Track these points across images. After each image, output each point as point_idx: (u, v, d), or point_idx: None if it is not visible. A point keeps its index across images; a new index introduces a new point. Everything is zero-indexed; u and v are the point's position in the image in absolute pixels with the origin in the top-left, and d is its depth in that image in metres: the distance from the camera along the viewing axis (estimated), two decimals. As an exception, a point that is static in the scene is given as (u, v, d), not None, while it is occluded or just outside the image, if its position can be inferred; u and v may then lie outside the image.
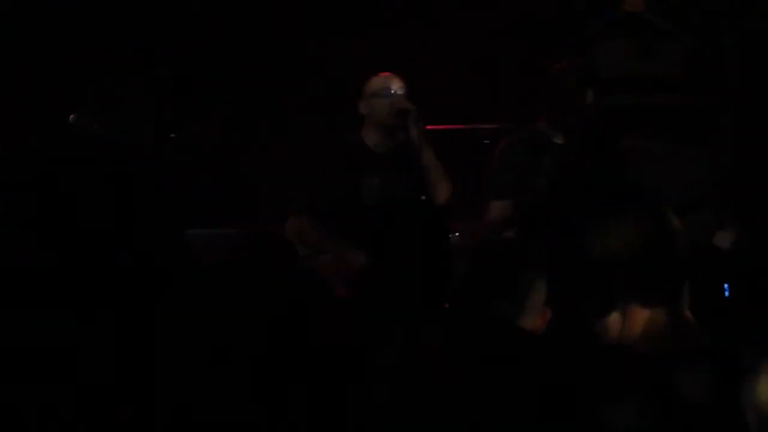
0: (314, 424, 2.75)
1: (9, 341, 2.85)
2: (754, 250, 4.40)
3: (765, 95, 5.96)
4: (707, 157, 5.94)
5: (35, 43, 6.02)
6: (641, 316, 2.22)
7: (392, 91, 4.75)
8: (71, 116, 4.50)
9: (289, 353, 2.95)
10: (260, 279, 3.67)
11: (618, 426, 2.10)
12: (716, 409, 2.06)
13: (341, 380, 2.90)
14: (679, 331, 2.22)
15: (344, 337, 3.14)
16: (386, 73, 4.84)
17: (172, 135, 5.11)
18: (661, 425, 2.09)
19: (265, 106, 6.58)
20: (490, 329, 2.48)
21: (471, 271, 2.73)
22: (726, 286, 3.88)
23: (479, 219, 4.81)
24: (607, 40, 5.86)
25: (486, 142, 5.53)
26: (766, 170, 5.85)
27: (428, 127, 4.86)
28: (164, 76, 6.18)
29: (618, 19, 5.87)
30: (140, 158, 4.51)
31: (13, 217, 3.19)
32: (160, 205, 3.64)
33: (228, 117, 6.52)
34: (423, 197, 4.75)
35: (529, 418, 2.22)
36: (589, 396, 2.13)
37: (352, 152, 4.79)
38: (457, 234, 4.90)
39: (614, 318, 2.24)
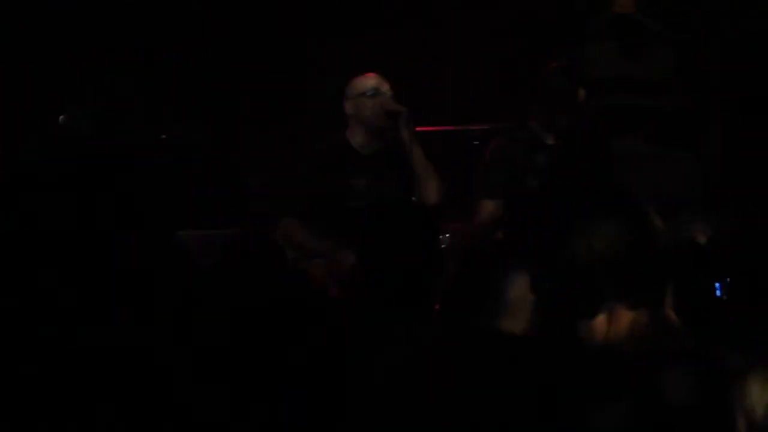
0: (308, 424, 2.76)
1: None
2: (744, 249, 4.41)
3: (751, 96, 5.98)
4: (696, 158, 5.96)
5: (27, 43, 6.02)
6: (626, 318, 2.23)
7: (380, 92, 4.73)
8: (61, 117, 4.50)
9: (283, 354, 2.96)
10: (252, 281, 3.68)
11: (603, 427, 2.11)
12: (701, 410, 2.07)
13: (334, 380, 2.90)
14: (664, 332, 2.23)
15: (336, 338, 3.15)
16: (371, 74, 4.80)
17: (163, 136, 5.11)
18: (646, 427, 2.10)
19: (258, 107, 6.58)
20: (472, 332, 2.49)
21: (460, 271, 2.74)
22: (717, 286, 3.88)
23: (469, 219, 4.82)
24: (597, 42, 5.87)
25: (476, 143, 5.54)
26: (754, 169, 5.87)
27: (418, 128, 4.86)
28: (156, 76, 6.19)
29: (608, 21, 5.88)
30: (130, 159, 4.51)
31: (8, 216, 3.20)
32: (150, 206, 3.64)
33: (220, 117, 6.52)
34: (413, 198, 4.75)
35: (513, 420, 2.23)
36: (575, 397, 2.14)
37: (338, 153, 4.76)
38: (447, 235, 4.91)
39: (600, 319, 2.25)
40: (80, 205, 3.37)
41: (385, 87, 4.74)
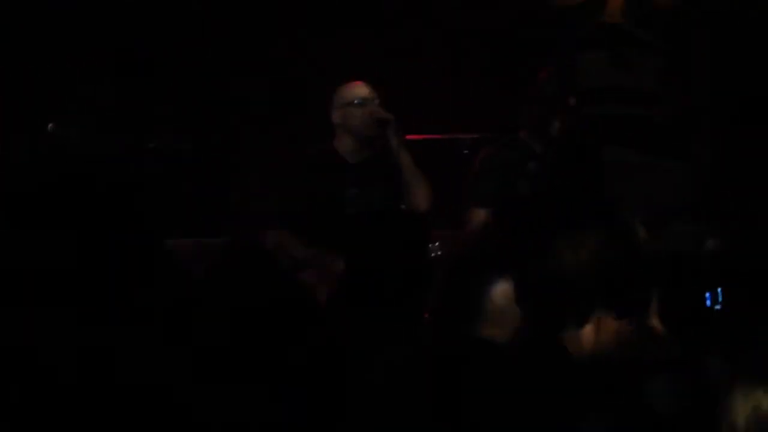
0: (302, 427, 2.76)
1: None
2: (734, 258, 4.41)
3: (742, 105, 5.99)
4: (686, 168, 5.96)
5: (15, 52, 6.01)
6: (612, 327, 2.23)
7: (368, 101, 4.72)
8: (49, 125, 4.49)
9: (277, 358, 2.96)
10: (246, 288, 3.68)
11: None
12: (685, 420, 2.07)
13: (327, 385, 2.90)
14: (649, 341, 2.23)
15: (328, 344, 3.15)
16: (358, 82, 4.79)
17: (151, 144, 5.10)
18: None
19: (248, 114, 6.57)
20: (459, 340, 2.49)
21: (447, 279, 2.74)
22: (708, 295, 3.89)
23: (459, 228, 4.82)
24: (587, 51, 5.87)
25: (466, 151, 5.54)
26: (745, 179, 5.88)
27: (407, 136, 4.85)
28: (144, 85, 6.18)
29: (597, 30, 5.88)
30: (118, 167, 4.51)
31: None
32: (139, 214, 3.63)
33: (209, 125, 6.52)
34: (402, 206, 4.74)
35: (500, 428, 2.23)
36: (561, 406, 2.13)
37: (327, 162, 4.75)
38: (437, 243, 4.90)
39: (587, 329, 2.25)
40: (68, 213, 3.36)
41: (373, 95, 4.73)
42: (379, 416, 2.54)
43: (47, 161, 4.25)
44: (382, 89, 4.81)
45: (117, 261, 3.27)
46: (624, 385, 2.15)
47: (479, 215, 4.72)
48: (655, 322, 2.35)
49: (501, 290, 2.54)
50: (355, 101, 4.71)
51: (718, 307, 3.66)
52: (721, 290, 3.73)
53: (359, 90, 4.74)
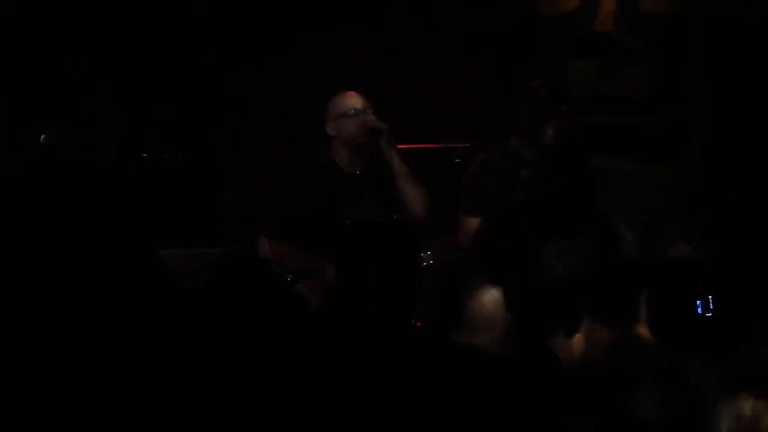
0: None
1: None
2: (724, 265, 4.42)
3: (732, 112, 6.01)
4: (676, 175, 5.98)
5: (7, 60, 6.02)
6: (599, 335, 2.25)
7: (360, 111, 4.74)
8: (43, 136, 4.50)
9: (272, 364, 2.97)
10: (245, 300, 3.69)
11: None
12: (670, 428, 2.08)
13: (319, 390, 2.91)
14: (636, 349, 2.24)
15: (322, 350, 3.16)
16: (351, 92, 4.82)
17: (144, 154, 5.11)
18: None
19: (242, 122, 6.59)
20: (449, 348, 2.50)
21: (439, 288, 2.75)
22: (699, 303, 3.90)
23: (452, 236, 4.82)
24: (578, 60, 5.90)
25: (458, 160, 5.55)
26: (735, 186, 5.89)
27: (400, 146, 4.87)
28: (137, 95, 6.18)
29: (588, 39, 5.91)
30: (111, 178, 4.52)
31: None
32: (132, 224, 3.64)
33: (202, 135, 6.52)
34: (394, 216, 4.76)
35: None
36: (550, 414, 2.14)
37: (325, 173, 4.77)
38: (428, 252, 4.91)
39: (577, 337, 2.26)
40: (61, 223, 3.37)
41: (366, 105, 4.75)
42: (372, 420, 2.55)
43: (40, 171, 4.26)
44: (373, 98, 4.83)
45: (110, 271, 3.28)
46: (610, 393, 2.16)
47: (471, 224, 4.73)
48: (642, 330, 2.36)
49: (491, 298, 2.55)
50: (349, 112, 4.74)
51: (709, 314, 3.67)
52: (712, 297, 3.73)
53: (352, 100, 4.76)
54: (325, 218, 4.71)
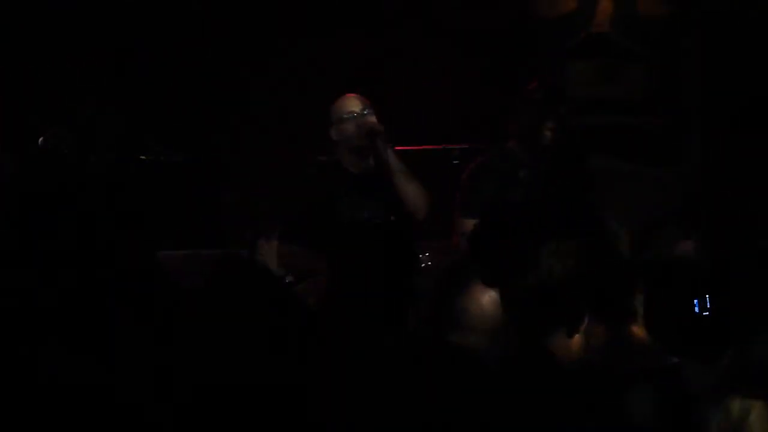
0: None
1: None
2: (723, 266, 4.43)
3: (730, 112, 6.02)
4: (675, 176, 5.99)
5: (8, 60, 6.02)
6: (598, 335, 2.25)
7: (359, 114, 4.77)
8: (41, 138, 4.51)
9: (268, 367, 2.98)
10: (241, 304, 3.69)
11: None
12: (662, 429, 2.08)
13: (318, 389, 2.92)
14: (631, 349, 2.25)
15: (319, 350, 3.16)
16: (351, 95, 4.85)
17: (143, 156, 5.12)
18: None
19: (241, 125, 6.59)
20: (447, 348, 2.50)
21: (437, 289, 2.76)
22: (696, 302, 3.90)
23: (449, 238, 4.83)
24: (575, 61, 5.91)
25: (456, 162, 5.56)
26: (734, 186, 5.90)
27: (398, 147, 4.88)
28: (137, 96, 6.19)
29: (585, 40, 5.92)
30: (110, 179, 4.52)
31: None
32: (131, 226, 3.64)
33: (202, 137, 6.53)
34: (392, 217, 4.76)
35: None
36: (544, 413, 2.14)
37: (329, 175, 4.81)
38: (427, 254, 4.92)
39: (576, 337, 2.26)
40: (61, 224, 3.38)
41: (364, 108, 4.77)
42: (369, 420, 2.55)
43: (38, 172, 4.26)
44: (372, 99, 4.85)
45: (109, 274, 3.28)
46: (605, 394, 2.16)
47: (468, 225, 4.73)
48: (638, 330, 2.36)
49: (488, 299, 2.56)
50: (346, 115, 4.78)
51: (706, 314, 3.67)
52: (709, 297, 3.74)
53: (350, 103, 4.80)
54: (326, 219, 4.73)
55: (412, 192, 4.74)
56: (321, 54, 6.31)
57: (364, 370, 2.72)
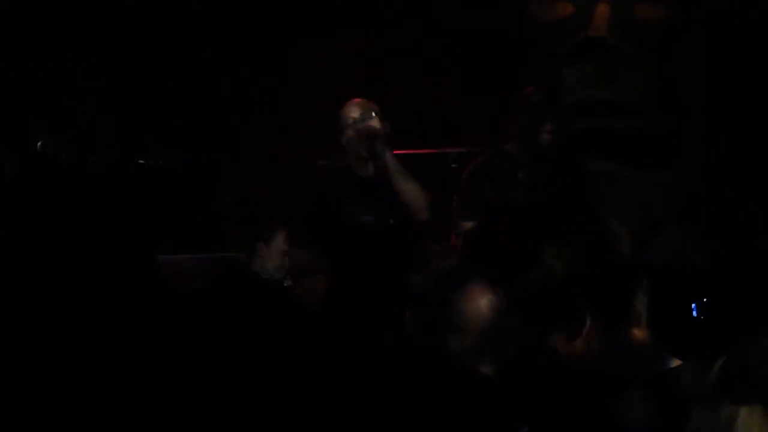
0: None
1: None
2: (720, 269, 4.43)
3: (728, 116, 6.03)
4: (673, 180, 5.99)
5: (7, 63, 6.03)
6: (600, 337, 2.25)
7: (359, 120, 4.79)
8: (39, 143, 4.50)
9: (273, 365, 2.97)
10: (238, 309, 3.70)
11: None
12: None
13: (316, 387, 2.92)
14: (633, 352, 2.25)
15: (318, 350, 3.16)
16: (356, 100, 4.88)
17: (141, 161, 5.13)
18: None
19: (238, 128, 6.60)
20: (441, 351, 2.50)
21: (433, 292, 2.76)
22: (693, 306, 3.91)
23: (448, 241, 4.84)
24: (573, 65, 5.91)
25: (453, 165, 5.57)
26: (732, 190, 5.91)
27: (396, 151, 4.90)
28: (136, 101, 6.19)
29: (583, 44, 5.92)
30: (109, 184, 4.52)
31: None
32: (130, 230, 3.65)
33: (200, 141, 6.53)
34: (391, 221, 4.78)
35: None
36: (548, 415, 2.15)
37: (338, 180, 4.85)
38: (425, 256, 4.93)
39: (579, 340, 2.27)
40: (60, 228, 3.38)
41: (364, 113, 4.80)
42: (366, 419, 2.56)
43: (36, 176, 4.27)
44: (372, 104, 4.87)
45: (109, 276, 3.29)
46: (602, 397, 2.17)
47: (467, 227, 4.74)
48: (637, 332, 2.37)
49: (486, 301, 2.56)
50: (347, 122, 4.82)
51: (704, 317, 3.68)
52: (708, 300, 3.75)
53: (350, 110, 4.84)
54: (328, 221, 4.76)
55: (411, 194, 4.76)
56: (321, 54, 6.32)
57: (363, 371, 2.73)
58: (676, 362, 2.56)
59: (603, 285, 2.27)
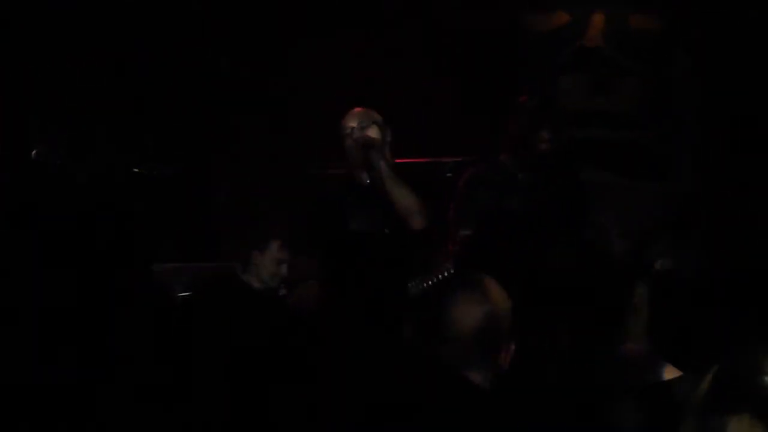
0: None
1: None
2: (713, 278, 4.44)
3: (722, 126, 6.04)
4: (667, 188, 6.00)
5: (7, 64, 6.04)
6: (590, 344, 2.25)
7: (355, 127, 4.80)
8: (34, 151, 4.51)
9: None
10: (231, 318, 3.69)
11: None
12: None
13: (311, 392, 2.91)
14: (628, 363, 2.25)
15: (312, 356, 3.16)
16: (356, 109, 4.90)
17: (136, 169, 5.13)
18: None
19: (234, 137, 6.61)
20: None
21: (426, 301, 2.76)
22: (691, 315, 3.91)
23: (443, 249, 4.85)
24: (567, 75, 5.92)
25: (449, 175, 5.57)
26: (726, 199, 5.91)
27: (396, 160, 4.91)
28: (130, 109, 6.20)
29: (577, 54, 5.94)
30: (104, 192, 4.52)
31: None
32: (124, 238, 3.65)
33: (194, 149, 6.53)
34: (386, 230, 4.78)
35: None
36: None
37: (344, 189, 4.86)
38: (422, 265, 4.94)
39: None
40: (53, 237, 3.38)
41: (363, 121, 4.81)
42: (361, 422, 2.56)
43: (31, 185, 4.27)
44: (370, 113, 4.88)
45: (104, 284, 3.29)
46: (595, 408, 2.17)
47: (464, 235, 4.75)
48: (635, 343, 2.37)
49: (480, 311, 2.56)
50: (347, 131, 4.83)
51: (700, 326, 3.68)
52: (702, 310, 3.74)
53: (350, 119, 4.85)
54: (325, 229, 4.77)
55: (405, 203, 4.75)
56: (319, 56, 6.33)
57: (359, 377, 2.73)
58: (673, 372, 2.56)
59: (599, 292, 2.27)
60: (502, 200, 4.70)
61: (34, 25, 6.25)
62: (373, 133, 4.79)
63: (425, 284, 4.68)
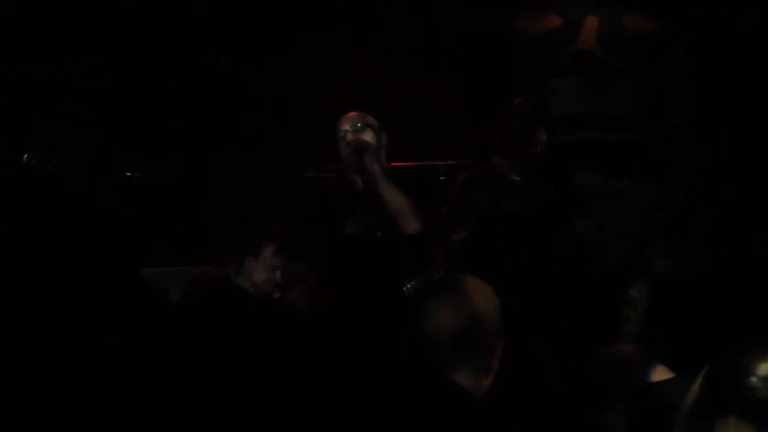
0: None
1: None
2: (710, 281, 4.44)
3: (719, 129, 6.04)
4: (662, 192, 5.99)
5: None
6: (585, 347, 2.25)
7: (348, 130, 4.81)
8: (25, 155, 4.51)
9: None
10: (224, 322, 3.69)
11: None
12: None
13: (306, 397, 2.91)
14: (623, 366, 2.25)
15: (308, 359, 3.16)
16: (351, 113, 4.91)
17: (128, 174, 5.14)
18: None
19: (229, 142, 6.61)
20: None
21: (411, 307, 2.76)
22: (685, 317, 3.91)
23: (434, 253, 4.84)
24: (561, 78, 5.91)
25: (442, 178, 5.58)
26: (723, 202, 5.91)
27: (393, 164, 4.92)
28: (123, 113, 6.20)
29: (570, 57, 5.92)
30: (96, 197, 4.52)
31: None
32: (115, 243, 3.64)
33: (188, 154, 6.53)
34: (378, 233, 4.78)
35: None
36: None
37: (339, 192, 4.87)
38: (414, 270, 4.93)
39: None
40: (44, 242, 3.38)
41: (356, 124, 4.81)
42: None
43: (24, 190, 4.26)
44: (365, 116, 4.88)
45: (96, 289, 3.29)
46: (586, 411, 2.17)
47: (458, 239, 4.75)
48: (627, 345, 2.36)
49: (463, 316, 2.55)
50: (341, 134, 4.84)
51: (694, 328, 3.68)
52: (697, 312, 3.75)
53: (343, 122, 4.86)
54: (320, 231, 4.78)
55: (397, 207, 4.76)
56: (319, 57, 6.33)
57: (354, 379, 2.72)
58: (666, 373, 2.55)
59: (593, 294, 2.27)
60: (498, 203, 4.70)
61: (34, 25, 6.25)
62: (367, 136, 4.80)
63: (409, 286, 4.69)
